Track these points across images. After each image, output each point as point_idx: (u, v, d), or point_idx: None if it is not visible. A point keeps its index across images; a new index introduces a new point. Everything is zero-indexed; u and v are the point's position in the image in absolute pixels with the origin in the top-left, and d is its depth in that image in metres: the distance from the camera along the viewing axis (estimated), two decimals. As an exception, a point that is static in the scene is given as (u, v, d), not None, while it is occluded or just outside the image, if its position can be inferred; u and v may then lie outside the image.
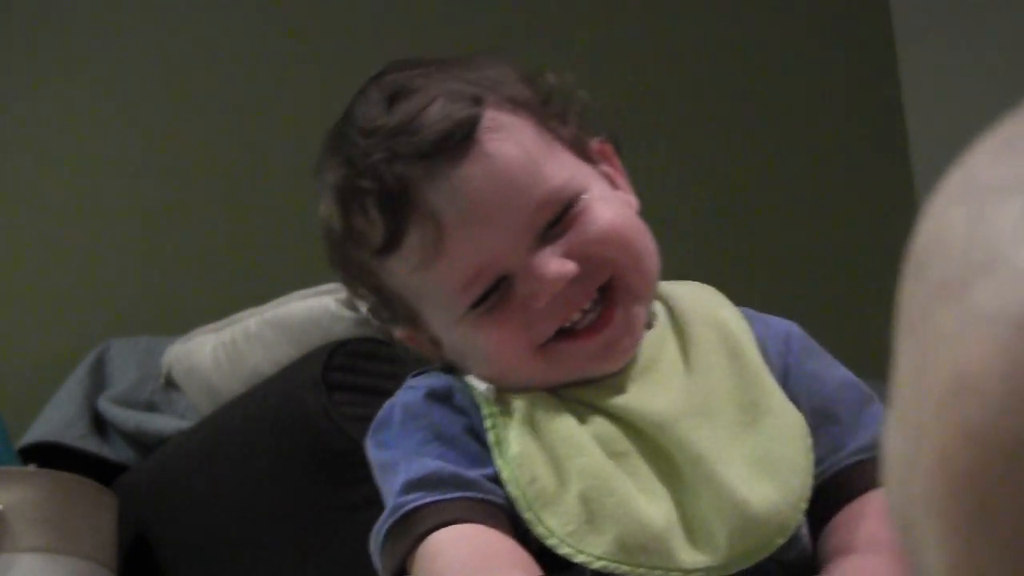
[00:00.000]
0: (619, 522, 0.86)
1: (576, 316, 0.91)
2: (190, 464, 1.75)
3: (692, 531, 0.87)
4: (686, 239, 2.58)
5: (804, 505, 0.90)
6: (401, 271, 0.92)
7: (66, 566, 1.63)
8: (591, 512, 0.86)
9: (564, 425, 0.90)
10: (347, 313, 1.65)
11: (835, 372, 0.98)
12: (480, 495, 0.88)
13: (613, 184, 0.98)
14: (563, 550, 0.86)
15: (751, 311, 1.01)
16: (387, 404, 0.96)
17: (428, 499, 0.88)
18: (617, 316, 0.91)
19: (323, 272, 1.86)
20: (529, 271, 0.89)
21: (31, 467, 1.80)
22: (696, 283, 1.03)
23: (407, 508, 0.88)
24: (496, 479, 0.89)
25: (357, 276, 0.98)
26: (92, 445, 1.92)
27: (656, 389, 0.92)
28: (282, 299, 1.77)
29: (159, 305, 2.23)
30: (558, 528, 0.87)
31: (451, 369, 0.98)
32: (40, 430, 1.94)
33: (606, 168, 0.99)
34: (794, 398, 0.95)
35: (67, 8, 2.28)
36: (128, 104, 2.29)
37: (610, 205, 0.93)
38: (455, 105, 0.90)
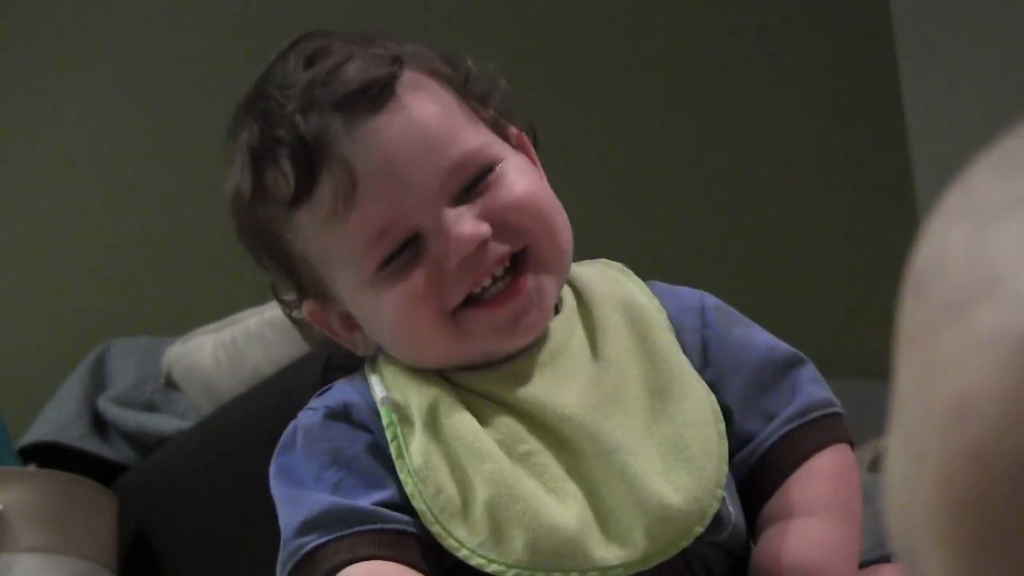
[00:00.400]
0: (528, 528, 0.84)
1: (487, 282, 0.89)
2: (190, 464, 1.75)
3: (607, 527, 0.86)
4: (685, 239, 2.58)
5: (720, 491, 0.88)
6: (311, 227, 0.90)
7: (66, 566, 1.63)
8: (499, 520, 0.85)
9: (467, 429, 0.88)
10: (347, 313, 1.65)
11: (760, 337, 0.97)
12: (380, 526, 0.86)
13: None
14: (475, 561, 0.85)
15: (661, 285, 0.99)
16: (291, 426, 0.95)
17: (326, 538, 0.86)
18: (528, 286, 0.89)
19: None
20: (442, 230, 0.87)
21: (31, 467, 1.81)
22: (603, 261, 1.01)
23: (306, 549, 0.87)
24: (398, 501, 0.88)
25: (264, 242, 0.97)
26: (92, 445, 1.92)
27: (564, 380, 0.90)
28: (282, 299, 1.77)
29: (159, 305, 2.23)
30: (467, 539, 0.85)
31: (352, 361, 0.97)
32: (40, 430, 1.94)
33: (524, 157, 0.97)
34: (723, 371, 0.94)
35: (67, 8, 2.28)
36: (128, 104, 2.29)
37: (526, 176, 0.91)
38: (374, 63, 0.90)
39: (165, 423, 1.91)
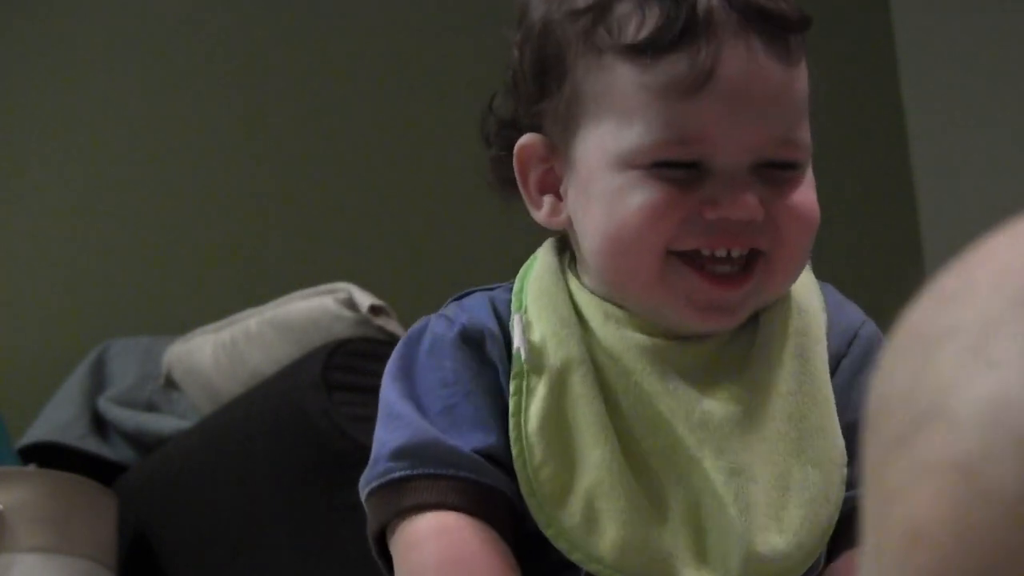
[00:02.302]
0: (624, 526, 0.82)
1: (720, 253, 0.83)
2: (190, 464, 1.75)
3: (702, 550, 0.83)
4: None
5: (826, 540, 0.84)
6: (630, 78, 0.83)
7: (66, 566, 1.63)
8: (596, 511, 0.82)
9: (591, 407, 0.84)
10: (347, 313, 1.65)
11: None
12: (475, 477, 0.84)
13: None
14: (560, 544, 0.83)
15: (834, 293, 0.95)
16: (421, 322, 0.90)
17: (418, 471, 0.84)
18: (747, 288, 0.84)
19: (323, 272, 1.87)
20: (732, 182, 0.83)
21: (31, 467, 1.81)
22: None
23: (394, 475, 0.84)
24: (500, 449, 0.85)
25: (551, 50, 0.87)
26: (92, 445, 1.92)
27: (712, 382, 0.86)
28: (282, 299, 1.77)
29: (159, 305, 2.23)
30: (559, 520, 0.83)
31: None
32: (40, 430, 1.94)
33: None
34: (838, 404, 0.88)
35: (68, 8, 2.28)
36: (128, 104, 2.29)
37: (814, 193, 0.88)
38: (793, 7, 0.84)
39: (165, 423, 1.91)
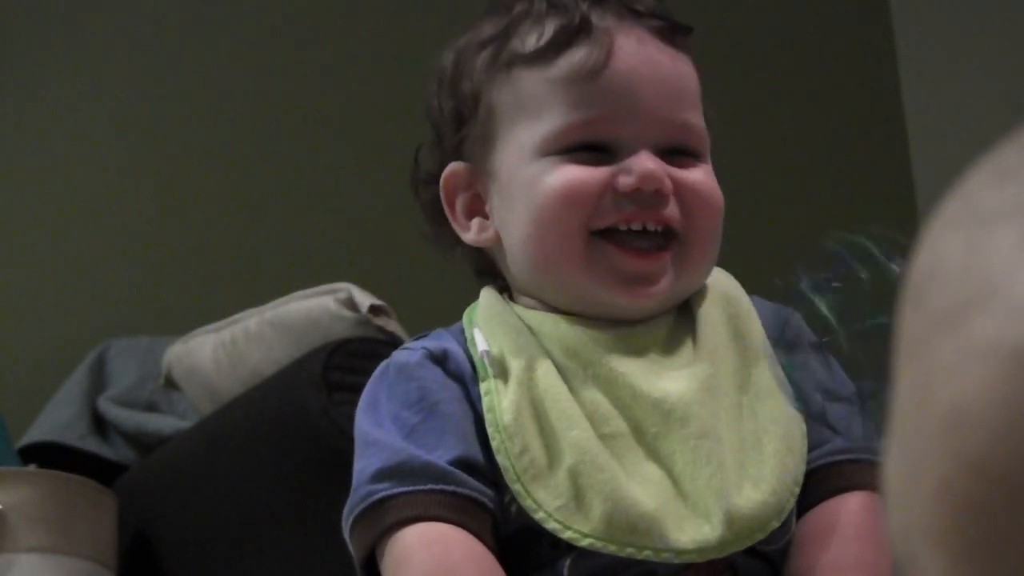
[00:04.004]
0: (608, 499, 0.84)
1: (636, 226, 0.91)
2: (190, 464, 1.75)
3: (685, 511, 0.86)
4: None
5: (797, 488, 0.89)
6: (533, 78, 0.92)
7: (66, 566, 1.63)
8: (580, 487, 0.85)
9: (560, 394, 0.88)
10: (347, 313, 1.65)
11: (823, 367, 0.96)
12: (454, 488, 0.86)
13: None
14: (550, 524, 0.85)
15: (757, 299, 1.00)
16: (383, 364, 0.95)
17: (397, 490, 0.86)
18: (665, 260, 0.91)
19: (323, 272, 1.87)
20: (638, 155, 0.90)
21: (31, 467, 1.81)
22: None
23: (376, 497, 0.87)
24: (472, 459, 0.88)
25: (458, 88, 0.97)
26: (92, 445, 1.92)
27: (663, 363, 0.91)
28: (282, 299, 1.77)
29: (159, 305, 2.23)
30: (546, 501, 0.85)
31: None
32: (40, 430, 1.95)
33: None
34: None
35: (68, 8, 2.28)
36: (128, 104, 2.29)
37: (716, 184, 0.95)
38: (672, 11, 0.96)
39: (165, 423, 1.91)
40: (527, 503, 0.86)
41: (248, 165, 2.35)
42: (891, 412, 0.37)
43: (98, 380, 2.01)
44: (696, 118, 0.94)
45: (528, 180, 0.92)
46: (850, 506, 0.91)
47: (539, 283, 0.94)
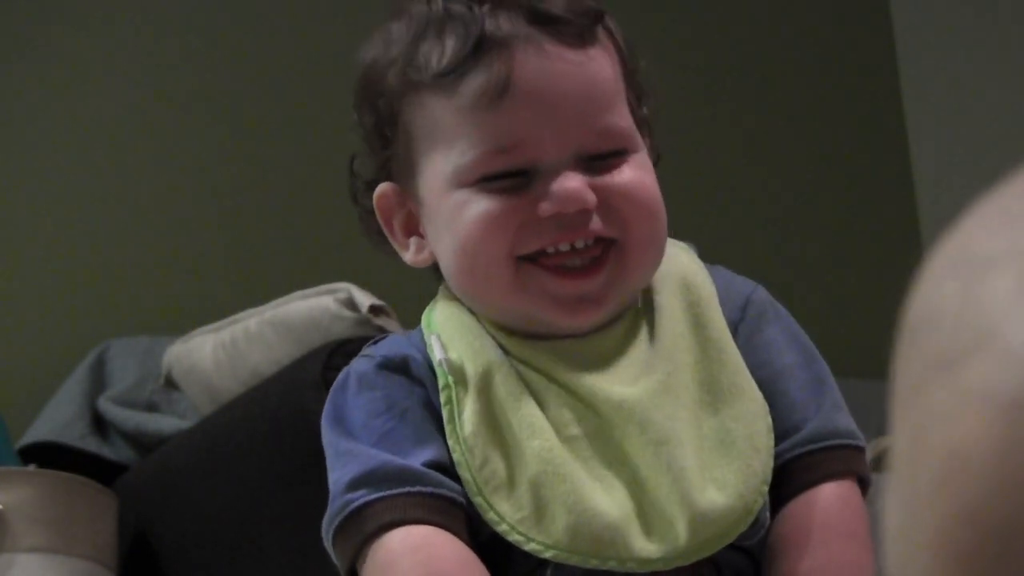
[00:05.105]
0: (571, 510, 0.83)
1: (564, 246, 0.87)
2: (190, 464, 1.75)
3: (649, 519, 0.85)
4: (683, 239, 2.58)
5: (765, 488, 0.87)
6: (439, 107, 0.89)
7: (66, 566, 1.63)
8: (543, 499, 0.84)
9: (520, 402, 0.87)
10: (347, 313, 1.65)
11: (791, 346, 0.95)
12: (431, 490, 0.85)
13: None
14: (513, 537, 0.84)
15: (722, 271, 0.98)
16: (344, 370, 0.93)
17: (375, 495, 0.85)
18: (601, 277, 0.88)
19: (323, 272, 1.87)
20: (555, 177, 0.86)
21: (31, 467, 1.81)
22: (670, 240, 0.98)
23: (354, 506, 0.86)
24: (445, 462, 0.87)
25: (378, 108, 0.93)
26: (92, 445, 1.92)
27: (619, 364, 0.89)
28: (282, 299, 1.77)
29: (159, 305, 2.23)
30: (509, 514, 0.85)
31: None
32: (40, 430, 1.94)
33: None
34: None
35: (69, 8, 2.28)
36: (128, 104, 2.29)
37: (649, 174, 0.91)
38: (579, 6, 0.89)
39: (165, 423, 1.91)
40: (489, 516, 0.85)
41: (248, 165, 2.35)
42: (890, 455, 0.37)
43: (98, 380, 2.01)
44: (616, 116, 0.89)
45: (449, 212, 0.89)
46: (824, 500, 0.89)
47: (480, 308, 0.92)
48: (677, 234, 0.98)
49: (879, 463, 1.63)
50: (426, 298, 0.97)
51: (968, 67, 2.82)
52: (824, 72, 2.89)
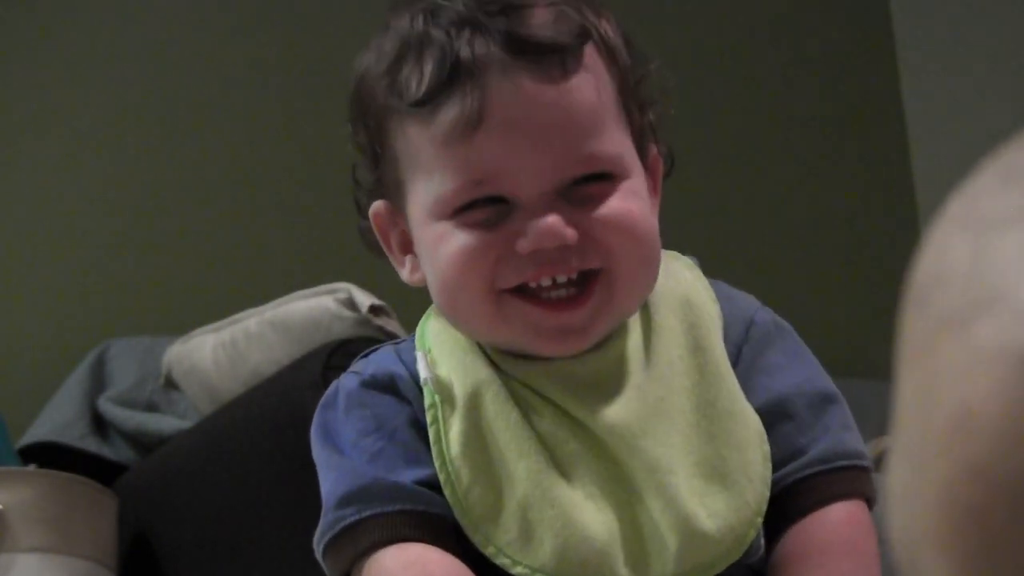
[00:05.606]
0: (559, 534, 0.83)
1: (546, 281, 0.85)
2: (190, 464, 1.75)
3: (638, 545, 0.84)
4: (683, 238, 2.58)
5: (759, 520, 0.86)
6: (418, 135, 0.86)
7: (66, 566, 1.63)
8: (530, 522, 0.84)
9: (509, 421, 0.86)
10: (347, 313, 1.65)
11: (797, 366, 0.93)
12: (423, 508, 0.85)
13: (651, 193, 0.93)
14: (500, 560, 0.84)
15: (724, 288, 0.96)
16: (333, 385, 0.93)
17: (367, 512, 0.85)
18: (587, 308, 0.85)
19: (323, 272, 1.87)
20: (534, 212, 0.84)
21: (31, 467, 1.81)
22: (672, 253, 0.96)
23: (347, 522, 0.86)
24: (436, 480, 0.86)
25: (369, 125, 0.92)
26: (92, 445, 1.92)
27: (613, 386, 0.87)
28: (282, 299, 1.77)
29: (159, 305, 2.23)
30: (496, 537, 0.84)
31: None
32: (40, 430, 1.94)
33: (649, 180, 0.93)
34: (744, 389, 0.90)
35: (69, 7, 2.28)
36: (129, 104, 2.29)
37: (637, 201, 0.87)
38: (563, 25, 0.85)
39: (165, 423, 1.91)
40: (477, 538, 0.85)
41: (248, 165, 2.35)
42: (894, 416, 0.37)
43: (98, 380, 2.01)
44: (602, 142, 0.85)
45: (429, 243, 0.88)
46: (831, 521, 0.88)
47: (467, 335, 0.90)
48: (676, 234, 0.97)
49: (878, 463, 1.63)
50: (426, 298, 0.96)
51: (968, 67, 2.81)
52: (824, 72, 2.89)
